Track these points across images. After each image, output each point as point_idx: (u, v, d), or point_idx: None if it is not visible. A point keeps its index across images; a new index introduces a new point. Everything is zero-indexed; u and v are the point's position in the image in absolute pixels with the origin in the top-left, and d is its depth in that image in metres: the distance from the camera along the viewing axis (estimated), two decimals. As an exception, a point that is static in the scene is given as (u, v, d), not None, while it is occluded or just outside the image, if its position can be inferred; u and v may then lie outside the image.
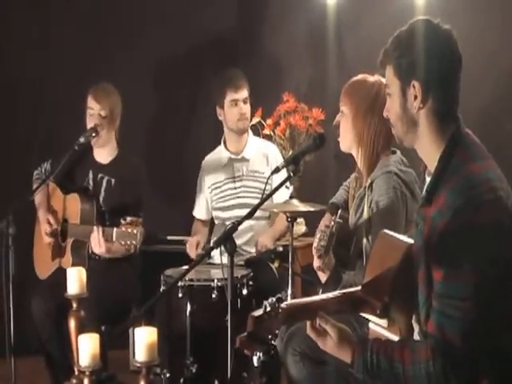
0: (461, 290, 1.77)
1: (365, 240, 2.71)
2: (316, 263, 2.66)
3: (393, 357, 1.86)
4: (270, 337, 1.86)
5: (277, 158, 3.84)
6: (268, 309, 1.87)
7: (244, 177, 3.87)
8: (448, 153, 1.89)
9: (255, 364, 1.87)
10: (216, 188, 3.91)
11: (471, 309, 1.76)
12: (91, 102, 3.68)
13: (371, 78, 2.79)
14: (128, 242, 3.23)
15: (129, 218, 3.27)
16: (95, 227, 3.39)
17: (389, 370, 1.86)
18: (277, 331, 1.90)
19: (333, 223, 2.64)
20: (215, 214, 3.95)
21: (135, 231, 3.21)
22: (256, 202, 3.71)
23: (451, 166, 1.87)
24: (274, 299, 1.89)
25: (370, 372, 1.89)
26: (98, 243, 3.37)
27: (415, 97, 1.91)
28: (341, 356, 1.96)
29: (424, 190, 2.00)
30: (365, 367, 1.89)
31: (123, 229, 3.24)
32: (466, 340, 1.77)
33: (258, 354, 1.86)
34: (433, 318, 1.83)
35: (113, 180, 3.69)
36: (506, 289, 1.80)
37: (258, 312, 1.87)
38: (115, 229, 3.28)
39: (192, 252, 3.71)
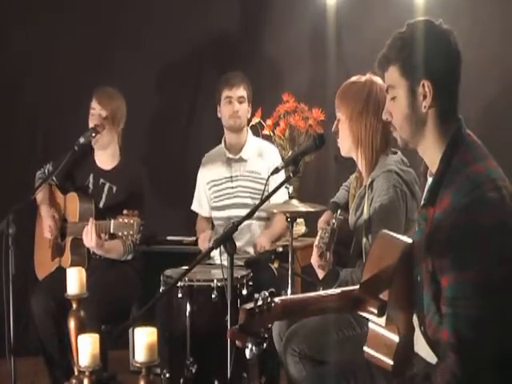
0: (472, 290, 1.77)
1: (364, 239, 2.71)
2: (317, 261, 2.66)
3: None
4: (262, 330, 1.86)
5: (275, 159, 3.85)
6: (259, 302, 1.86)
7: (241, 177, 3.89)
8: (449, 153, 1.90)
9: (247, 356, 1.86)
10: (214, 186, 3.93)
11: (484, 307, 1.77)
12: (93, 103, 3.69)
13: (362, 79, 2.80)
14: (125, 233, 3.27)
15: (125, 211, 3.29)
16: (90, 220, 3.41)
17: None
18: (269, 325, 1.89)
19: (334, 220, 2.64)
20: (213, 214, 3.96)
21: (132, 221, 3.25)
22: (252, 202, 3.77)
23: (453, 167, 1.88)
24: (267, 293, 1.88)
25: None
26: (88, 237, 3.38)
27: (424, 96, 1.91)
28: None
29: (425, 190, 2.00)
30: None
31: (120, 220, 3.28)
32: (484, 339, 1.77)
33: (250, 346, 1.85)
34: (448, 323, 1.81)
35: (114, 187, 3.70)
36: (508, 287, 1.80)
37: (250, 305, 1.87)
38: (112, 220, 3.32)
39: (204, 246, 3.70)
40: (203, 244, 3.73)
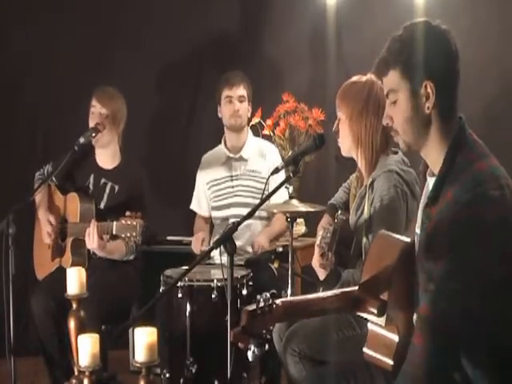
0: (461, 281, 1.77)
1: (365, 239, 2.71)
2: (318, 261, 2.66)
3: None
4: (264, 331, 1.86)
5: (276, 159, 3.86)
6: (261, 304, 1.86)
7: (241, 176, 3.89)
8: (452, 154, 1.90)
9: (250, 358, 1.86)
10: (214, 185, 3.93)
11: (470, 298, 1.76)
12: (93, 102, 3.69)
13: (362, 78, 2.80)
14: (128, 235, 3.27)
15: (128, 213, 3.29)
16: (92, 222, 3.40)
17: None
18: (271, 327, 1.89)
19: (336, 220, 2.65)
20: (213, 214, 3.96)
21: (134, 223, 3.25)
22: (253, 201, 3.77)
23: (457, 166, 1.88)
24: (268, 294, 1.88)
25: None
26: (90, 238, 3.38)
27: (427, 97, 1.91)
28: None
29: (426, 190, 2.00)
30: None
31: (123, 221, 3.27)
32: (460, 328, 1.77)
33: (253, 348, 1.85)
34: (429, 301, 1.81)
35: (116, 186, 3.70)
36: (509, 286, 1.80)
37: (252, 306, 1.87)
38: (115, 222, 3.32)
39: (197, 248, 3.71)
40: (196, 245, 3.72)
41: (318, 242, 2.67)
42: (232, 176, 3.91)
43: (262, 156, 3.91)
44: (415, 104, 1.92)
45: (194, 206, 4.06)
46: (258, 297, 1.87)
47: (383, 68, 1.96)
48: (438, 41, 1.92)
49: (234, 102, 3.83)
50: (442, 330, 1.78)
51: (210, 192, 3.95)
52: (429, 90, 1.90)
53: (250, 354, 1.86)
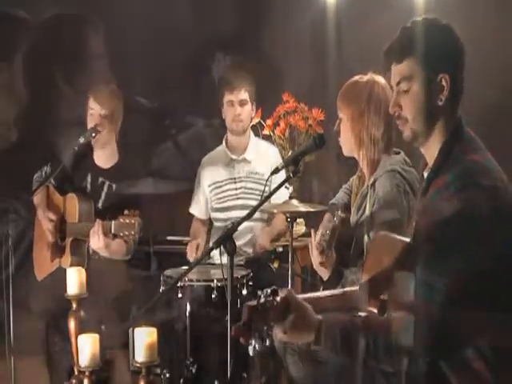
0: (448, 268, 1.77)
1: (366, 237, 2.71)
2: (318, 259, 2.65)
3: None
4: (265, 328, 1.86)
5: (277, 161, 3.84)
6: (262, 300, 1.86)
7: (244, 178, 3.88)
8: (449, 147, 1.93)
9: (250, 353, 1.87)
10: (216, 188, 3.92)
11: (454, 285, 1.77)
12: (91, 103, 3.67)
13: (364, 78, 2.80)
14: (126, 233, 3.27)
15: (126, 211, 3.29)
16: (96, 221, 3.40)
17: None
18: (272, 323, 1.89)
19: (336, 218, 2.65)
20: (214, 215, 3.95)
21: (133, 221, 3.24)
22: (256, 203, 3.76)
23: (452, 157, 1.91)
24: (269, 290, 1.88)
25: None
26: (95, 237, 3.37)
27: (442, 90, 1.93)
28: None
29: (423, 183, 2.02)
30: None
31: (121, 220, 3.27)
32: (439, 314, 1.78)
33: (254, 343, 1.85)
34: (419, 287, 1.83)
35: (114, 185, 3.69)
36: (495, 279, 1.80)
37: (253, 302, 1.87)
38: (113, 221, 3.31)
39: (192, 255, 3.71)
40: (191, 253, 3.71)
41: (317, 240, 2.67)
42: (235, 178, 3.89)
43: (264, 158, 3.89)
44: (429, 94, 1.94)
45: (192, 210, 4.05)
46: (259, 292, 1.87)
47: (397, 55, 1.97)
48: (452, 37, 1.96)
49: (236, 106, 3.81)
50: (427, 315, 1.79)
51: (212, 194, 3.93)
52: (444, 83, 1.92)
53: (250, 349, 1.86)
